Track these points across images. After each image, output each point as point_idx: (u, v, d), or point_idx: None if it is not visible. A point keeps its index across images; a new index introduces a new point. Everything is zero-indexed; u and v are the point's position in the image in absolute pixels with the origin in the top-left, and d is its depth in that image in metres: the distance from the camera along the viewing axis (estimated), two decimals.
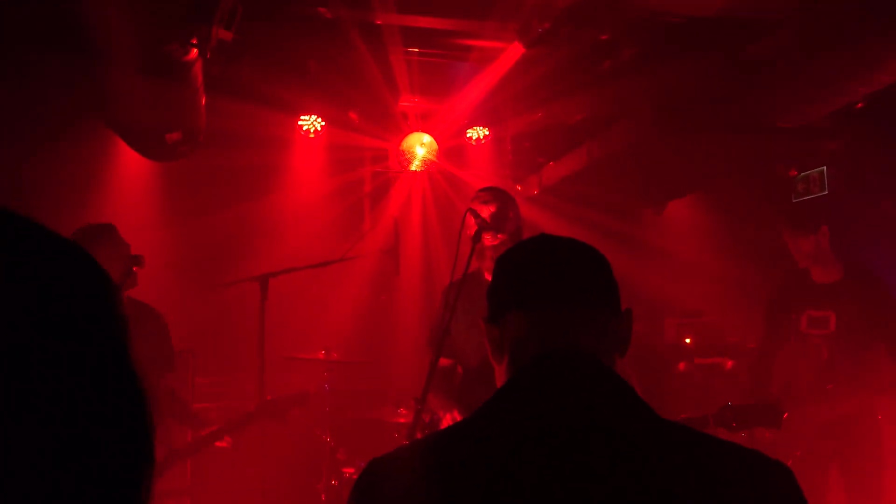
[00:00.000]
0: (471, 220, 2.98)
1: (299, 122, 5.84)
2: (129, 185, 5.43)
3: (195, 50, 3.78)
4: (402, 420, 4.06)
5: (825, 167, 5.80)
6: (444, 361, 3.10)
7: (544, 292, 1.19)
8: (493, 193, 3.16)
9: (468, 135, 6.11)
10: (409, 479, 1.06)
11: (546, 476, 0.99)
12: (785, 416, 3.31)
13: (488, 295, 1.26)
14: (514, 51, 4.65)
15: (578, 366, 1.11)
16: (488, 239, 2.99)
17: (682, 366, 5.96)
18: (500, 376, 1.22)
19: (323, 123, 5.84)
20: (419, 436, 2.65)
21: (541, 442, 1.02)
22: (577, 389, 1.08)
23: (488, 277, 3.12)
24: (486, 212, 3.04)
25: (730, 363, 5.82)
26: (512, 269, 1.25)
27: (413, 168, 6.17)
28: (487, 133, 6.10)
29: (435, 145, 6.08)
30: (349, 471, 4.17)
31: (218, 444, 3.41)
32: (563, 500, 0.97)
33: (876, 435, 3.98)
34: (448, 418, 2.98)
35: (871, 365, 4.03)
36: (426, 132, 6.06)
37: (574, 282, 1.20)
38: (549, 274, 1.20)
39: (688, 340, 6.12)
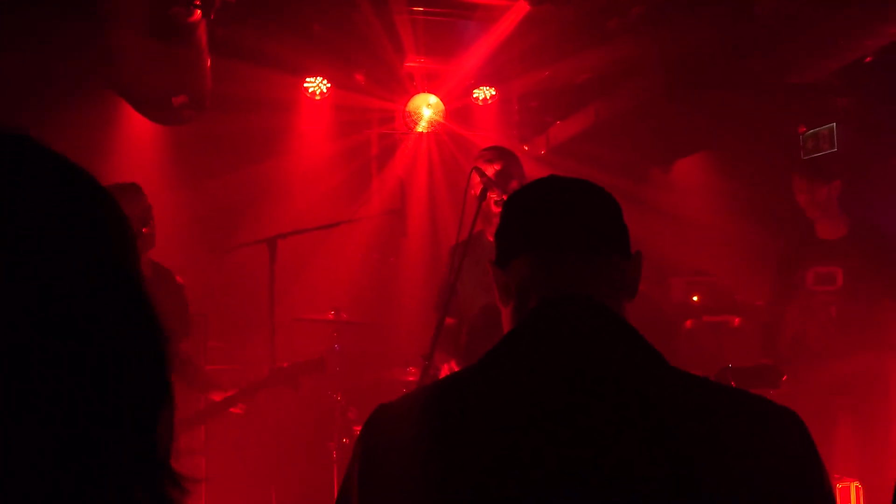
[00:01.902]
0: (476, 180, 2.99)
1: (305, 84, 5.81)
2: (136, 150, 5.43)
3: (199, 11, 3.76)
4: (411, 379, 4.11)
5: (835, 124, 5.75)
6: (450, 321, 3.14)
7: (551, 236, 1.17)
8: (498, 152, 3.16)
9: (475, 95, 6.08)
10: (414, 423, 1.06)
11: (547, 428, 0.97)
12: (784, 377, 3.33)
13: (496, 238, 1.25)
14: (519, 9, 4.61)
15: (584, 313, 1.09)
16: (493, 198, 3.00)
17: (689, 323, 5.97)
18: (506, 320, 1.21)
19: (329, 85, 5.82)
20: None
21: (544, 392, 1.01)
22: (583, 338, 1.06)
23: (491, 239, 3.16)
24: (491, 170, 3.04)
25: (737, 321, 5.83)
26: (519, 212, 1.23)
27: (420, 129, 6.15)
28: (494, 93, 6.07)
29: (441, 106, 6.06)
30: (360, 429, 4.22)
31: (232, 410, 3.48)
32: (564, 453, 0.96)
33: (885, 392, 3.99)
34: (445, 368, 3.02)
35: (880, 321, 4.04)
36: (432, 93, 6.04)
37: (582, 225, 1.17)
38: (556, 217, 1.18)
39: (695, 298, 6.13)
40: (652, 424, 0.98)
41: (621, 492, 0.93)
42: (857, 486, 4.18)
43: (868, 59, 4.53)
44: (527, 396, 1.01)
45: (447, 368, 3.06)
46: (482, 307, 2.97)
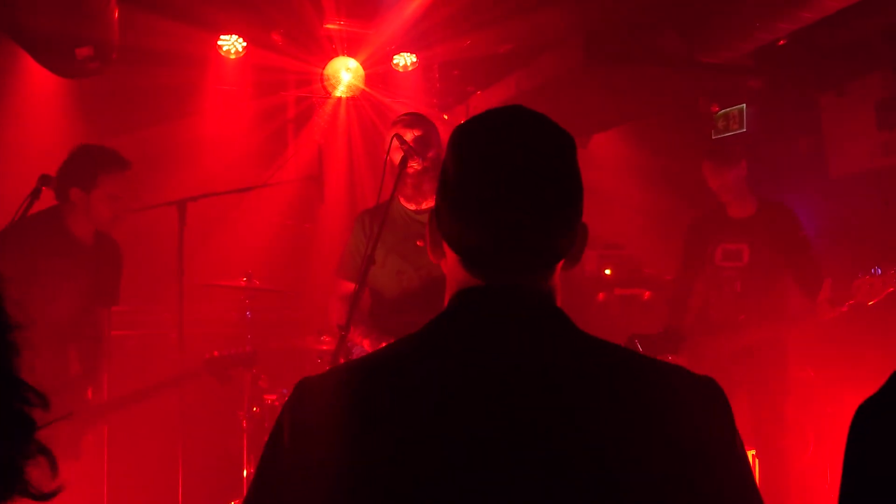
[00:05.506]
0: (396, 145, 2.94)
1: (219, 42, 5.59)
2: (36, 104, 5.13)
3: None
4: (325, 348, 4.05)
5: (745, 105, 5.91)
6: (352, 286, 3.12)
7: (495, 199, 1.03)
8: (418, 118, 3.13)
9: (395, 61, 5.97)
10: (339, 399, 1.02)
11: (470, 416, 0.96)
12: (683, 343, 3.43)
13: (439, 180, 1.12)
14: None
15: (518, 298, 1.06)
16: (412, 166, 2.96)
17: (601, 296, 6.09)
18: (448, 279, 1.13)
19: (244, 44, 5.61)
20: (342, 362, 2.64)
21: (469, 380, 0.99)
22: (514, 327, 1.03)
23: (405, 204, 3.13)
24: (411, 135, 3.01)
25: (647, 294, 5.98)
26: (464, 160, 1.08)
27: (338, 94, 6.02)
28: (415, 60, 5.98)
29: (361, 71, 5.93)
30: (271, 398, 4.16)
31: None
32: (486, 441, 0.94)
33: (782, 362, 4.17)
34: (356, 337, 2.99)
35: (780, 296, 4.20)
36: (352, 57, 5.91)
37: (533, 190, 1.04)
38: (508, 175, 1.03)
39: (608, 272, 6.25)
40: (577, 411, 0.96)
41: (549, 476, 0.92)
42: (752, 455, 4.37)
43: (781, 42, 4.65)
44: (456, 383, 0.99)
45: (358, 338, 3.02)
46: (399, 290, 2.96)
